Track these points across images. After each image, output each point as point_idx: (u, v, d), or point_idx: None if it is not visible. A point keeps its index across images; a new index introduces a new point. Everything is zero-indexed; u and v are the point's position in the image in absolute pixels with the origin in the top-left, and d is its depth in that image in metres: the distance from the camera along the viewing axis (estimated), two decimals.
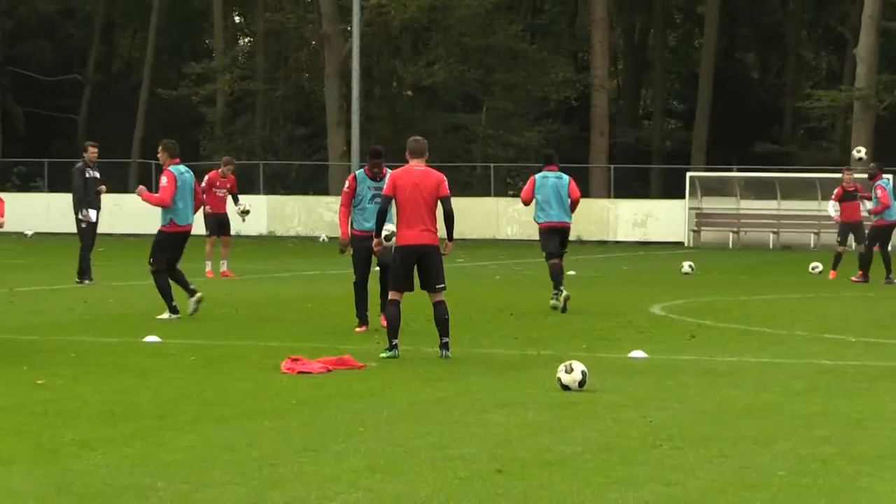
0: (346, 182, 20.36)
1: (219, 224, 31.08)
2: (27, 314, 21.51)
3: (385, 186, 17.46)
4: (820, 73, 78.79)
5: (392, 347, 16.91)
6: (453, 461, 10.62)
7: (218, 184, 31.19)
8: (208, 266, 31.20)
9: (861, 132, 56.76)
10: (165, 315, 21.72)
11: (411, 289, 17.26)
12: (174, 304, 21.82)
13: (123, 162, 64.09)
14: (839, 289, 30.10)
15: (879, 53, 58.09)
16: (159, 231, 22.00)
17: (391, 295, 17.24)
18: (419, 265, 17.08)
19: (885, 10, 57.80)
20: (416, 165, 17.15)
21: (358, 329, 19.92)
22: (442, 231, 17.17)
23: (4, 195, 21.49)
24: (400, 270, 17.15)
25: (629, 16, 75.00)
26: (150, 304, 24.00)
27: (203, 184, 31.30)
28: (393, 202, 17.18)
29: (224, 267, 31.30)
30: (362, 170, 20.18)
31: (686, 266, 34.82)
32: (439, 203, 17.07)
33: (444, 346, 17.02)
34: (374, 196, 19.30)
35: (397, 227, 17.20)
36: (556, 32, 75.11)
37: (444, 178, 17.23)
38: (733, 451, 11.15)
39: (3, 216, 19.42)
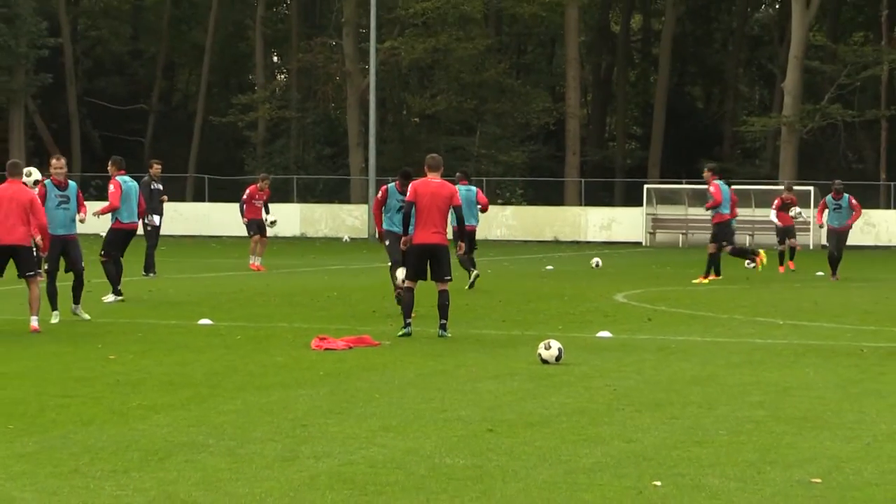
0: (380, 192, 20.55)
1: (258, 226, 31.22)
2: (102, 301, 21.50)
3: (408, 194, 17.43)
4: (753, 103, 78.65)
5: (406, 325, 16.91)
6: (452, 422, 10.61)
7: (256, 196, 31.28)
8: (251, 260, 31.32)
9: (787, 152, 56.77)
10: (111, 297, 21.77)
11: (424, 278, 17.27)
12: (119, 287, 21.88)
13: (182, 176, 64.02)
14: (770, 280, 30.07)
15: (802, 87, 58.08)
16: (110, 229, 22.31)
17: (406, 283, 17.24)
18: (430, 260, 17.08)
19: (807, 51, 57.79)
20: (433, 178, 17.13)
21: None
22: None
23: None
24: (415, 265, 17.17)
25: (597, 56, 74.99)
26: (203, 293, 23.99)
27: (245, 196, 31.51)
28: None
29: (257, 262, 31.32)
30: (393, 184, 20.25)
31: (594, 262, 34.97)
32: (451, 210, 17.11)
33: (443, 326, 17.03)
34: (400, 207, 19.35)
35: (414, 229, 17.17)
36: (537, 70, 75.11)
37: (457, 189, 17.26)
38: (682, 414, 11.14)
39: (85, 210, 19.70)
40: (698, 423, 10.67)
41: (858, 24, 72.11)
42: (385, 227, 20.32)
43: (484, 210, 26.63)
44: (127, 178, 22.60)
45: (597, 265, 34.53)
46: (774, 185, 53.37)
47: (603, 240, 53.67)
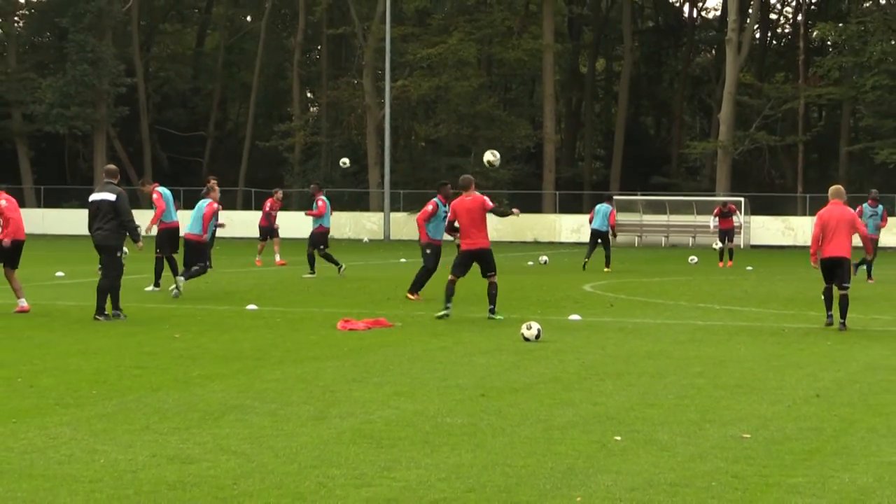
0: (430, 205, 20.27)
1: (269, 231, 31.34)
2: (169, 291, 21.47)
3: (449, 213, 17.55)
4: (695, 131, 78.52)
5: (446, 308, 16.95)
6: (451, 389, 10.60)
7: (273, 207, 31.43)
8: (258, 258, 31.56)
9: (722, 170, 56.74)
10: (150, 287, 21.55)
11: (464, 275, 17.40)
12: (159, 280, 21.66)
13: (233, 189, 63.88)
14: (709, 273, 30.05)
15: (735, 117, 58.05)
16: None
17: (451, 277, 17.29)
18: (477, 261, 17.15)
19: (738, 88, 57.78)
20: (467, 196, 17.26)
21: (411, 297, 19.84)
22: (492, 235, 17.54)
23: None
24: (462, 265, 17.30)
25: (568, 92, 74.96)
26: (250, 284, 23.96)
27: (266, 207, 31.48)
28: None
29: (278, 258, 31.32)
30: (437, 198, 20.18)
31: (541, 259, 34.95)
32: (489, 214, 17.30)
33: (491, 311, 17.17)
34: (445, 216, 19.26)
35: (460, 237, 17.22)
36: (520, 103, 74.98)
37: (486, 197, 17.32)
38: (638, 382, 11.13)
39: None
40: (651, 390, 10.65)
41: (780, 66, 72.24)
42: (431, 236, 20.14)
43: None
44: (164, 188, 22.41)
45: (544, 262, 34.54)
46: (712, 196, 53.41)
47: (574, 241, 53.61)
